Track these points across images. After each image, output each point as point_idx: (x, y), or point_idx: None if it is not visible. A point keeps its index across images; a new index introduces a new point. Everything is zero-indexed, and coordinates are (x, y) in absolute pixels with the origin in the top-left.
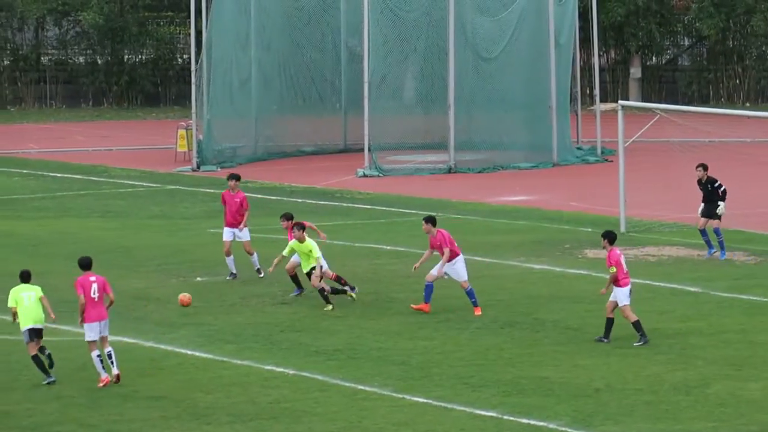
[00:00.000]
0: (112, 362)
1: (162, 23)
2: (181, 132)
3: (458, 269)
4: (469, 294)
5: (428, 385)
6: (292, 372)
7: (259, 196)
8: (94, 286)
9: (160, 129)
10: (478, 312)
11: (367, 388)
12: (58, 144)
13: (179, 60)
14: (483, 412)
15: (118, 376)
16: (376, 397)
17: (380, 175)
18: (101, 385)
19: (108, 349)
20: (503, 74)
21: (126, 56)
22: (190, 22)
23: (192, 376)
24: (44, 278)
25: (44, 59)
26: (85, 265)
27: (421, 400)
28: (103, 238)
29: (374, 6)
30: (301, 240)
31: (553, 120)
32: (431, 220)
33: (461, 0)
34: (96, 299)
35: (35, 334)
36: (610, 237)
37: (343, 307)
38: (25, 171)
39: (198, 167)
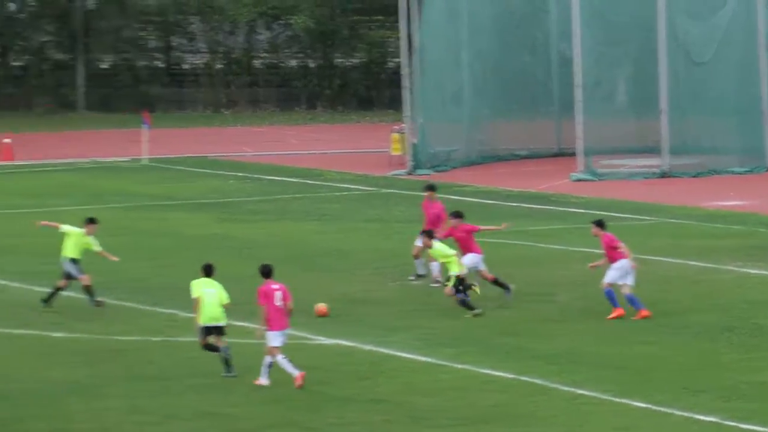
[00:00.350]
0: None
1: (372, 27)
2: (395, 136)
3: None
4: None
5: (648, 390)
6: (511, 376)
7: (475, 200)
8: (278, 294)
9: (372, 132)
10: (614, 314)
11: (587, 393)
12: (272, 147)
13: (390, 64)
14: (703, 417)
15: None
16: (596, 402)
17: (595, 179)
18: (299, 382)
19: (273, 358)
20: (715, 78)
21: (337, 60)
22: (400, 26)
23: (411, 379)
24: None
25: (256, 63)
26: (267, 272)
27: (641, 404)
28: (319, 242)
29: (584, 10)
30: (429, 246)
31: (766, 124)
32: (600, 224)
33: (671, 4)
34: (281, 307)
35: (212, 331)
36: None
37: (561, 311)
38: (240, 174)
39: (413, 171)
